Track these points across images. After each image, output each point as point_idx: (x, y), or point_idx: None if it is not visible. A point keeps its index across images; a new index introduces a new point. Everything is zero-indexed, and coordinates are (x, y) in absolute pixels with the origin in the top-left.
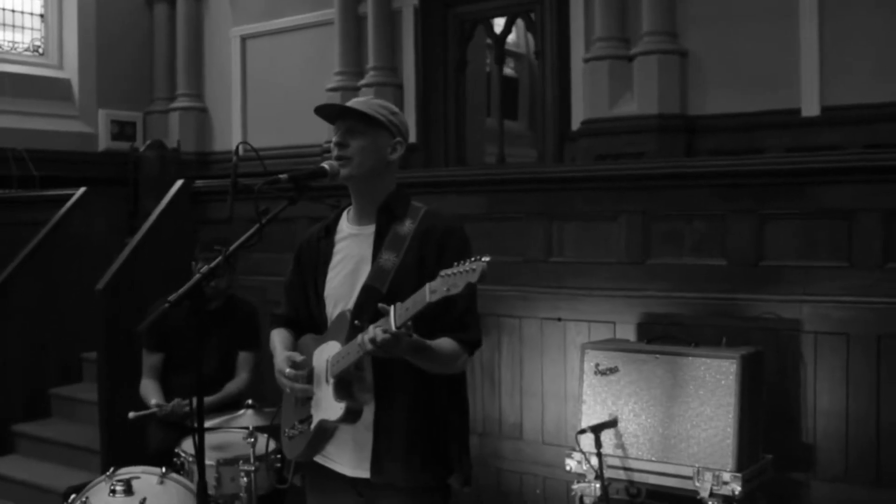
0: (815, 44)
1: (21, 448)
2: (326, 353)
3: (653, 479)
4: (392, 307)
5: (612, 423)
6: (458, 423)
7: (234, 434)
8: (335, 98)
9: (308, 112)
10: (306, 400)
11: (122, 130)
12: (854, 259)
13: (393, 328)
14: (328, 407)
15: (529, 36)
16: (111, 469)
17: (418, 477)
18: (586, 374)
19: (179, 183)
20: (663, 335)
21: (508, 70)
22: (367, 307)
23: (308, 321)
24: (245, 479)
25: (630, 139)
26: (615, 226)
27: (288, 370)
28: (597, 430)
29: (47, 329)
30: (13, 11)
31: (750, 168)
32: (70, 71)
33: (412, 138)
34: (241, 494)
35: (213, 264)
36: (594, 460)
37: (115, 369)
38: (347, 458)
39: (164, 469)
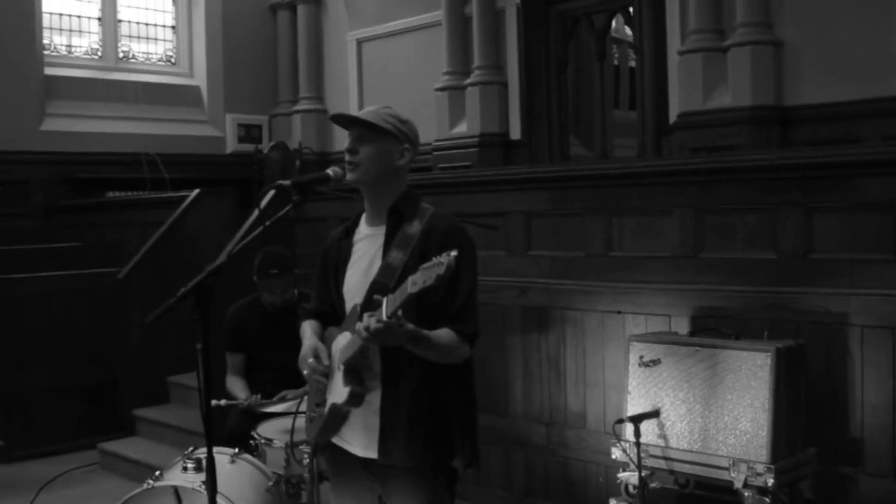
0: None
1: (141, 430)
2: (340, 343)
3: (692, 470)
4: (385, 299)
5: (654, 414)
6: (461, 409)
7: (303, 419)
8: (443, 97)
9: (419, 110)
10: (324, 386)
11: (249, 133)
12: None
13: (383, 317)
14: (338, 392)
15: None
16: (190, 448)
17: (420, 458)
18: (631, 366)
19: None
20: (707, 328)
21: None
22: (376, 301)
23: (333, 314)
24: (307, 460)
25: (723, 132)
26: (670, 220)
27: (310, 360)
28: (636, 420)
29: (165, 321)
30: (147, 24)
31: (796, 161)
32: (200, 78)
33: (517, 135)
34: (305, 475)
35: (214, 266)
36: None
37: (213, 359)
38: (359, 440)
39: (237, 450)
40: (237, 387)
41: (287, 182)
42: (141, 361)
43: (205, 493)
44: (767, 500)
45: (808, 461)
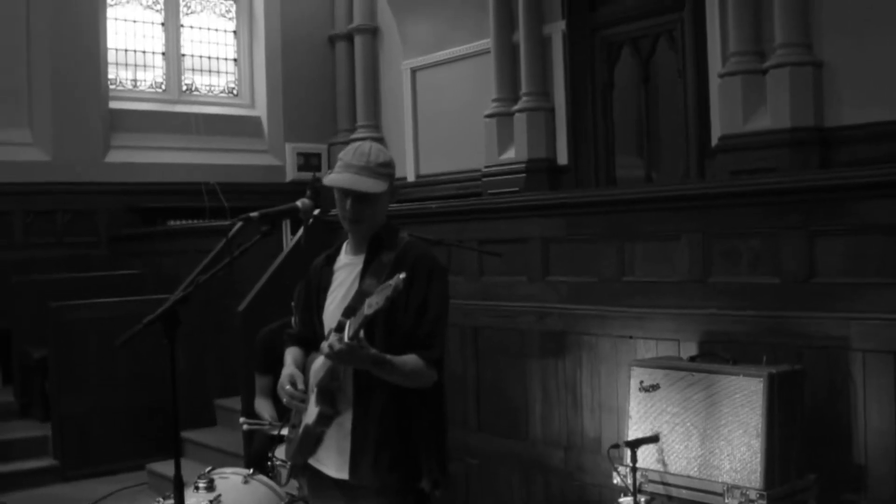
0: None
1: (188, 452)
2: (315, 366)
3: (689, 495)
4: (348, 321)
5: (652, 439)
6: (429, 432)
7: None
8: (492, 124)
9: (469, 138)
10: (304, 408)
11: (308, 161)
12: None
13: (345, 338)
14: (311, 413)
15: None
16: (208, 469)
17: (387, 479)
18: (632, 391)
19: (316, 212)
20: (706, 353)
21: None
22: (340, 324)
23: (315, 340)
24: None
25: (763, 154)
26: (678, 245)
27: (287, 387)
28: (633, 445)
29: (209, 346)
30: (209, 58)
31: (796, 185)
32: (260, 109)
33: (563, 160)
34: None
35: (179, 295)
36: (637, 475)
37: (253, 383)
38: (332, 461)
39: (251, 470)
40: (265, 408)
41: (255, 214)
42: (188, 386)
43: None
44: None
45: (807, 488)
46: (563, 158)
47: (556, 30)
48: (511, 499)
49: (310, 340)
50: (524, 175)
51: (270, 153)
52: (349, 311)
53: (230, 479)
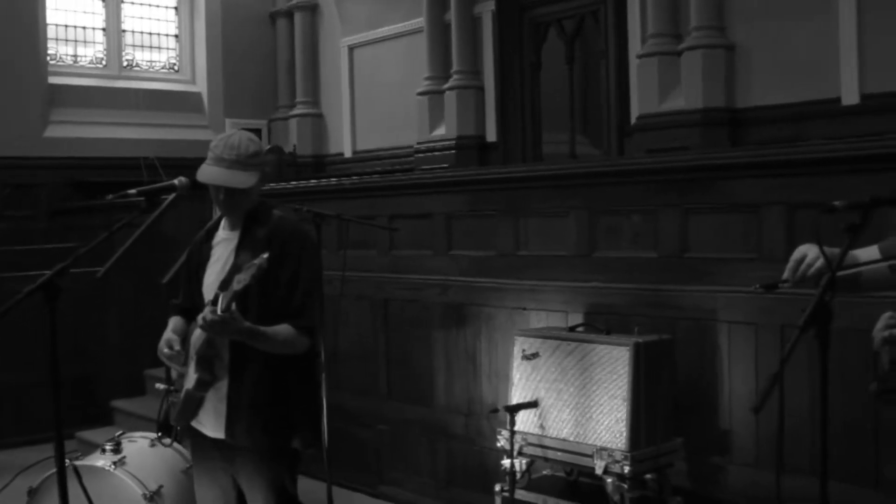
0: (854, 33)
1: (118, 421)
2: (195, 336)
3: (563, 457)
4: (221, 295)
5: (531, 405)
6: (302, 396)
7: None
8: (424, 101)
9: (404, 115)
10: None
11: None
12: (762, 251)
13: (218, 311)
14: (190, 378)
15: None
16: (119, 433)
17: (260, 440)
18: (515, 359)
19: None
20: (585, 323)
21: None
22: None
23: (196, 310)
24: None
25: (676, 133)
26: (567, 221)
27: (165, 350)
28: (512, 410)
29: (141, 317)
30: (150, 34)
31: (672, 164)
32: (201, 85)
33: (492, 137)
34: None
35: (61, 266)
36: (518, 438)
37: None
38: (210, 423)
39: (159, 434)
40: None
41: (133, 190)
42: (121, 356)
43: (108, 471)
44: (625, 486)
45: (674, 450)
46: (492, 135)
47: (486, 9)
48: (419, 464)
49: (191, 311)
50: (454, 152)
51: (211, 128)
52: (224, 285)
53: (138, 442)
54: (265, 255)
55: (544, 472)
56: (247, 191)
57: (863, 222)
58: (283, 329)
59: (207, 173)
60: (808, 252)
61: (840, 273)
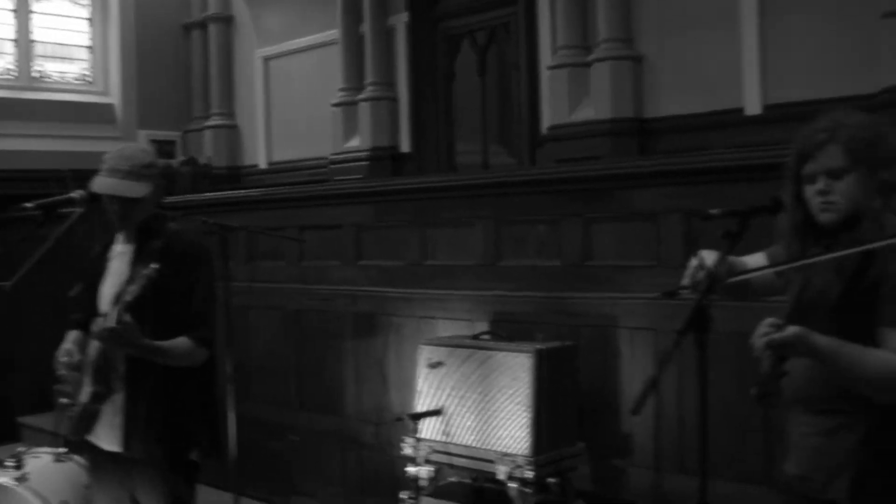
0: (756, 45)
1: (25, 436)
2: (91, 349)
3: (468, 464)
4: (115, 308)
5: (436, 412)
6: (199, 407)
7: None
8: (338, 113)
9: (319, 126)
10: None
11: (162, 149)
12: (661, 258)
13: (112, 324)
14: (85, 392)
15: None
16: (21, 449)
17: (156, 451)
18: (420, 367)
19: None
20: (489, 331)
21: None
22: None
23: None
24: None
25: (587, 143)
26: (474, 231)
27: (63, 359)
28: (415, 418)
29: (51, 332)
30: (62, 45)
31: (573, 175)
32: (114, 96)
33: (406, 148)
34: None
35: None
36: (423, 445)
37: None
38: (107, 436)
39: (66, 450)
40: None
41: (30, 204)
42: (30, 372)
43: (9, 488)
44: (529, 490)
45: (577, 455)
46: (406, 146)
47: (400, 22)
48: (330, 473)
49: (89, 324)
50: (368, 163)
51: (124, 140)
52: (118, 298)
53: (42, 458)
54: (154, 266)
55: (451, 479)
56: (140, 201)
57: (740, 230)
58: (180, 342)
59: (101, 184)
60: (706, 258)
61: (731, 280)
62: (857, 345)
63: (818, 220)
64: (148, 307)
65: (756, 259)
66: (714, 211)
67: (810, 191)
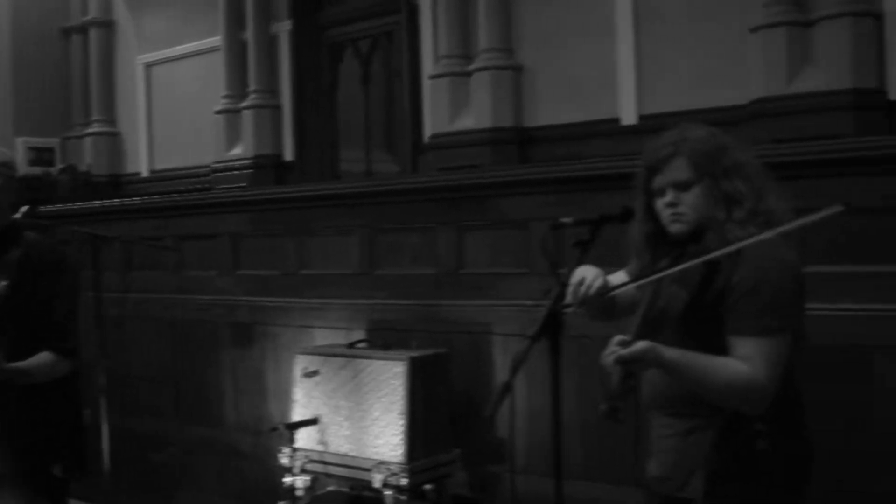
0: (632, 56)
1: None
2: None
3: (345, 473)
4: None
5: (311, 422)
6: (64, 420)
7: None
8: (221, 120)
9: (203, 134)
10: None
11: (40, 156)
12: (533, 265)
13: None
14: None
15: None
16: None
17: (18, 465)
18: (296, 377)
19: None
20: (365, 340)
21: None
22: None
23: None
24: None
25: (467, 152)
26: (350, 240)
27: None
28: (291, 427)
29: None
30: None
31: (446, 183)
32: None
33: (290, 156)
34: None
35: None
36: (300, 455)
37: None
38: None
39: None
40: None
41: None
42: None
43: None
44: (404, 497)
45: (452, 461)
46: (289, 155)
47: (283, 29)
48: (210, 484)
49: None
50: (251, 171)
51: None
52: None
53: None
54: (4, 283)
55: (329, 489)
56: (6, 209)
57: (591, 238)
58: (42, 357)
59: None
60: (586, 274)
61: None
62: (706, 355)
63: (669, 232)
64: (4, 322)
65: (619, 277)
66: (565, 220)
67: (660, 203)
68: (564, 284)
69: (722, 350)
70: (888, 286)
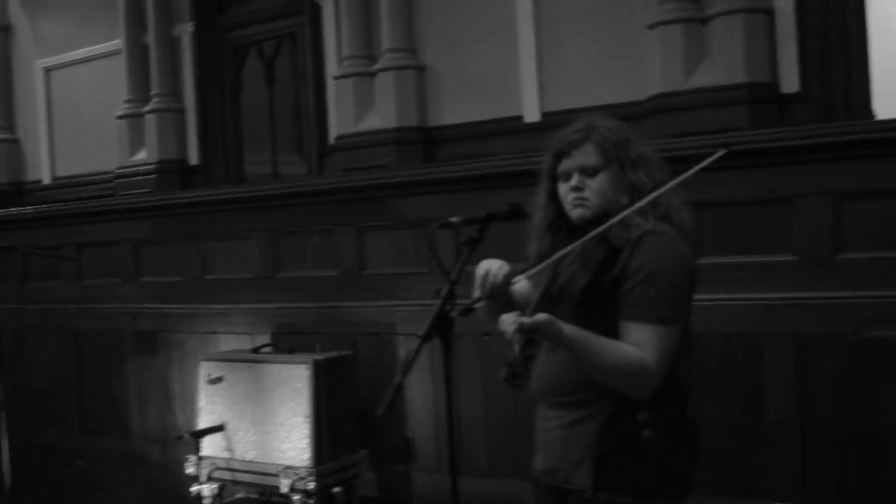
0: (533, 55)
1: None
2: None
3: (252, 479)
4: None
5: (218, 429)
6: None
7: None
8: (124, 125)
9: (107, 139)
10: None
11: None
12: (433, 265)
13: None
14: None
15: None
16: None
17: None
18: (201, 384)
19: None
20: (270, 344)
21: None
22: None
23: None
24: None
25: (373, 152)
26: (251, 244)
27: None
28: (197, 435)
29: None
30: None
31: (346, 184)
32: None
33: (194, 160)
34: None
35: None
36: (206, 463)
37: None
38: None
39: None
40: None
41: None
42: None
43: None
44: (311, 501)
45: (359, 462)
46: (194, 158)
47: (185, 31)
48: (119, 495)
49: None
50: (156, 176)
51: None
52: None
53: None
54: None
55: (238, 496)
56: None
57: (480, 236)
58: None
59: None
60: (491, 266)
61: (518, 276)
62: (601, 336)
63: (570, 217)
64: None
65: (520, 284)
66: (453, 219)
67: (564, 188)
68: (454, 283)
69: (615, 333)
70: (777, 276)
